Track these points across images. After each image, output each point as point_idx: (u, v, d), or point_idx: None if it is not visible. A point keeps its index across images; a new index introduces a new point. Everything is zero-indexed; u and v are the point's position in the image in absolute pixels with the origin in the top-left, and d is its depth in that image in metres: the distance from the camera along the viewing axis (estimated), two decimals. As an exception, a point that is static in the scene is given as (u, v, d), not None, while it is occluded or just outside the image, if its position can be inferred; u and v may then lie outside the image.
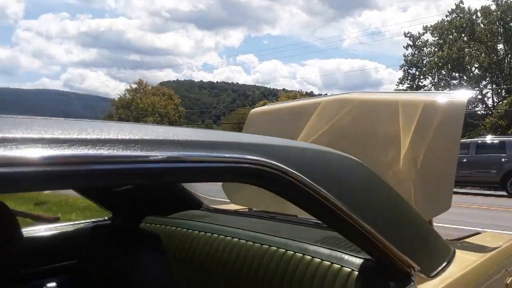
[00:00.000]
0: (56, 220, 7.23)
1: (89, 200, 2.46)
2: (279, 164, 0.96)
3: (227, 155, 0.89)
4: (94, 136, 0.71)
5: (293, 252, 1.52)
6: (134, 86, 58.43)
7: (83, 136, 0.69)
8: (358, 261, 1.36)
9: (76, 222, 2.51)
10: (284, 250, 1.54)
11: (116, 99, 57.68)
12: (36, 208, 8.44)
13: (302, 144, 1.25)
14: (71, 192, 8.52)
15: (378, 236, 1.14)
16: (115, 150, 0.71)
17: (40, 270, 2.13)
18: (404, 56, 43.85)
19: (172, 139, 0.82)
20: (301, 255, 1.49)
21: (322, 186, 1.03)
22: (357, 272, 1.33)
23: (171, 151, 0.79)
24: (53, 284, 2.17)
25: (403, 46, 43.69)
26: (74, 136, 0.68)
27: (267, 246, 1.61)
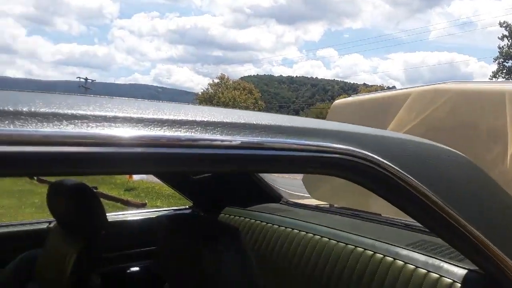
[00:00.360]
0: (143, 205, 7.68)
1: (171, 188, 2.53)
2: (373, 155, 0.85)
3: (314, 143, 0.79)
4: (171, 117, 0.65)
5: (382, 256, 1.38)
6: (216, 80, 60.39)
7: (158, 116, 0.64)
8: (461, 271, 1.19)
9: (158, 209, 2.59)
10: (372, 252, 1.42)
11: (200, 93, 59.98)
12: (126, 194, 9.05)
13: (397, 135, 1.11)
14: (157, 180, 9.02)
15: (488, 243, 0.97)
16: (192, 133, 0.65)
17: (125, 254, 2.21)
18: (499, 47, 39.85)
19: (254, 123, 0.74)
20: (392, 259, 1.35)
21: (422, 182, 0.90)
22: (459, 284, 1.16)
23: (253, 137, 0.71)
24: (137, 268, 2.25)
25: (498, 37, 39.72)
26: (149, 115, 0.63)
27: (353, 246, 1.49)
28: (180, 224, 1.15)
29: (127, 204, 7.91)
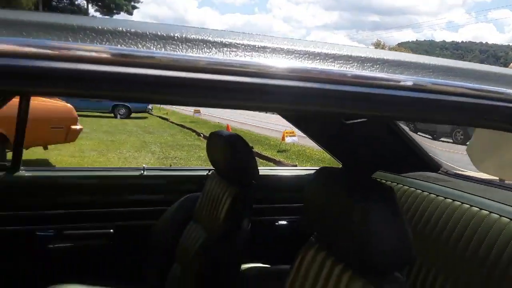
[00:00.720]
0: (294, 167, 7.94)
1: (322, 149, 2.51)
2: None
3: (500, 90, 0.65)
4: (323, 51, 0.59)
5: None
6: (371, 47, 57.80)
7: (309, 49, 0.59)
8: None
9: (308, 168, 2.61)
10: None
11: (354, 60, 58.15)
12: (278, 155, 9.45)
13: None
14: (309, 143, 9.20)
15: None
16: (348, 67, 0.58)
17: (274, 207, 2.31)
18: None
19: (422, 62, 0.64)
20: None
21: None
22: None
23: (419, 77, 0.61)
24: (284, 222, 2.34)
25: None
26: (300, 48, 0.58)
27: None
28: (331, 178, 1.12)
29: (279, 165, 8.28)
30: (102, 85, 0.51)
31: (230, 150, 1.70)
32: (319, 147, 2.53)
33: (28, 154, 6.85)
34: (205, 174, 2.21)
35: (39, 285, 1.68)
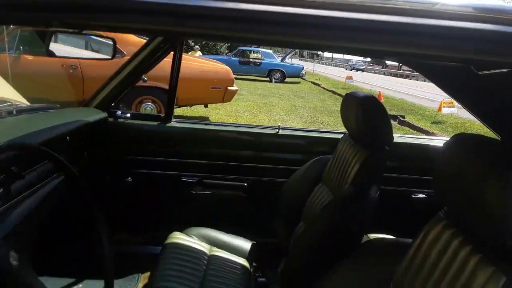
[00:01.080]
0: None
1: (478, 120, 2.20)
2: None
3: None
4: None
5: None
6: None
7: None
8: None
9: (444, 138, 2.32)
10: None
11: None
12: (433, 126, 8.68)
13: None
14: (470, 116, 8.11)
15: None
16: None
17: (408, 178, 2.13)
18: None
19: None
20: None
21: None
22: None
23: None
24: (421, 195, 2.15)
25: None
26: None
27: None
28: (468, 145, 0.97)
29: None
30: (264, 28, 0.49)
31: (363, 111, 1.60)
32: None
33: (192, 111, 7.68)
34: (339, 137, 2.15)
35: (180, 225, 1.89)
